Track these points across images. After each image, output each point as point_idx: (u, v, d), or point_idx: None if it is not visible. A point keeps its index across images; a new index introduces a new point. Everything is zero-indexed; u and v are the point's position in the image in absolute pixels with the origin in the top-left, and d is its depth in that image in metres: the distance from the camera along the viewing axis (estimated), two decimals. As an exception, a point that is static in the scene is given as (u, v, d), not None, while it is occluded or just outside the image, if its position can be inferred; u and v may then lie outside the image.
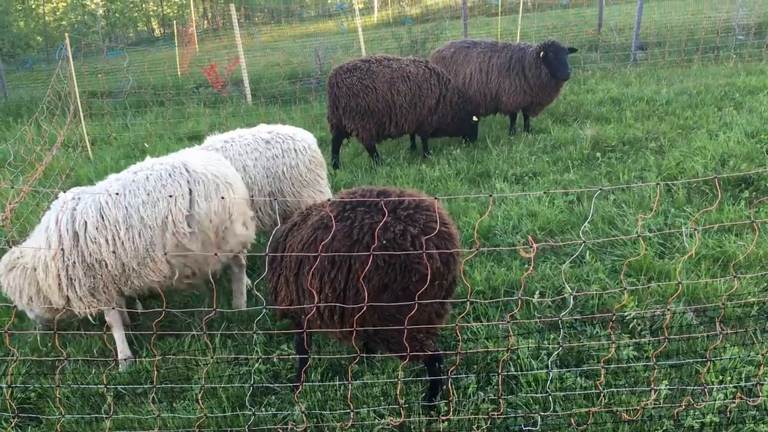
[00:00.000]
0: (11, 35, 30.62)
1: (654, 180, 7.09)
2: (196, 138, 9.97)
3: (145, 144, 10.34)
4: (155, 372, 4.13)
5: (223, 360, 4.62)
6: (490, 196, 3.05)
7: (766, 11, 15.46)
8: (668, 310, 4.53)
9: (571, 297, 4.85)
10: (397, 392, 3.85)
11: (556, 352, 4.21)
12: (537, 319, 4.63)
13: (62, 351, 3.86)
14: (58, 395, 4.04)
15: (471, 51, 9.76)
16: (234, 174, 5.21)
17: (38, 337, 5.07)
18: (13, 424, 3.80)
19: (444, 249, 3.47)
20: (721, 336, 3.82)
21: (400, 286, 3.42)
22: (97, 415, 3.97)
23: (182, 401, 4.28)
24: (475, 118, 9.14)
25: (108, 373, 4.58)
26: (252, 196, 5.86)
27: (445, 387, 3.98)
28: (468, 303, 3.58)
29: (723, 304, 4.19)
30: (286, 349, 4.72)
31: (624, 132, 8.82)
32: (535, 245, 3.31)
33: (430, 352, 3.76)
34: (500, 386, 3.86)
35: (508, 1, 29.95)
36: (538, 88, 9.27)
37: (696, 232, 5.75)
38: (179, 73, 16.25)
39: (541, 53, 9.03)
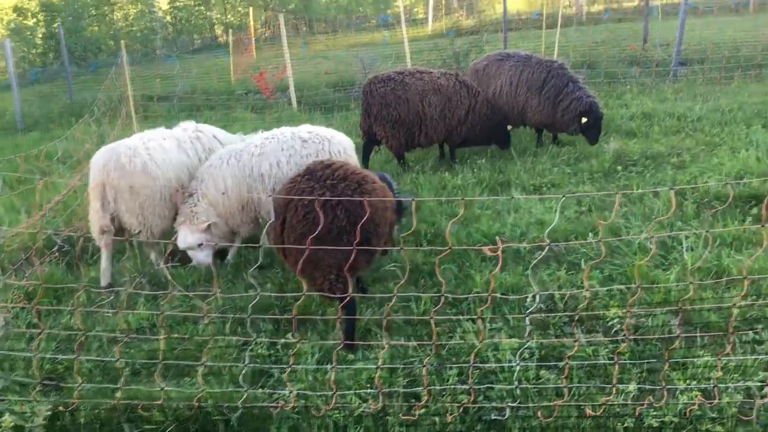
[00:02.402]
0: (84, 39, 32.24)
1: (666, 194, 7.24)
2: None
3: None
4: (161, 350, 4.58)
5: (230, 344, 5.06)
6: (462, 199, 3.38)
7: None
8: (638, 315, 4.76)
9: (536, 296, 5.13)
10: (376, 377, 4.20)
11: (523, 348, 4.49)
12: (503, 316, 4.91)
13: (82, 328, 4.36)
14: (78, 366, 4.53)
15: (504, 63, 10.00)
16: None
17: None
18: (36, 390, 4.31)
19: (353, 212, 4.61)
20: (678, 340, 4.04)
21: (311, 233, 4.11)
22: (111, 386, 4.44)
23: (189, 378, 4.73)
24: (509, 127, 9.43)
25: (126, 351, 5.07)
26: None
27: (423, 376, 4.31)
28: (442, 297, 3.93)
29: (680, 308, 4.40)
30: (290, 338, 5.14)
31: (648, 147, 8.96)
32: (501, 244, 3.64)
33: (338, 294, 4.72)
34: (470, 376, 4.17)
35: (566, 14, 29.97)
36: (561, 126, 9.55)
37: (688, 240, 5.92)
38: (232, 79, 16.99)
39: (583, 119, 9.17)
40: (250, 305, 4.09)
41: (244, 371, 4.36)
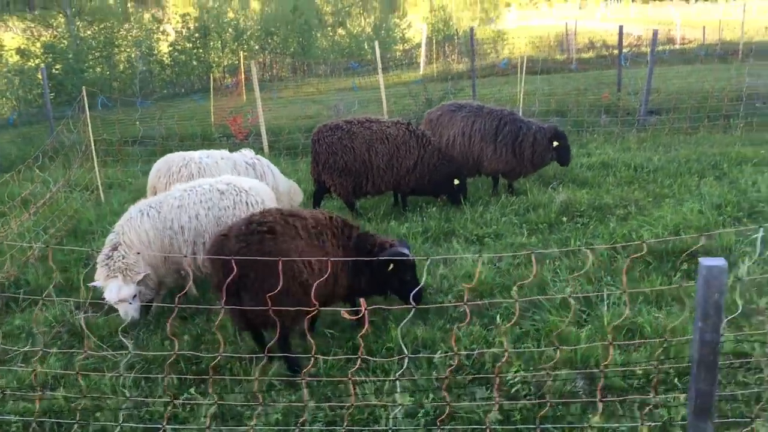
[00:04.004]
0: (84, 81, 32.71)
1: (602, 247, 7.20)
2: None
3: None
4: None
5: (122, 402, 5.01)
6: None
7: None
8: (548, 373, 4.69)
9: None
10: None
11: (397, 409, 4.42)
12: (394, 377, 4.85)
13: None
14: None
15: (456, 114, 10.02)
16: None
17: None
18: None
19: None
20: (546, 402, 3.97)
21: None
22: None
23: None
24: (456, 181, 9.37)
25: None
26: (203, 244, 6.38)
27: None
28: (359, 359, 3.88)
29: (602, 371, 4.33)
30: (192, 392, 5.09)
31: (597, 197, 8.94)
32: (364, 307, 3.61)
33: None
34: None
35: (557, 60, 30.28)
36: (531, 165, 9.69)
37: (611, 297, 5.86)
38: (212, 123, 17.17)
39: (555, 143, 9.45)
40: (167, 363, 4.07)
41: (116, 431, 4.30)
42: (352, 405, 4.22)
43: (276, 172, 8.37)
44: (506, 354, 3.48)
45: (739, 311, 4.00)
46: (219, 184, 6.48)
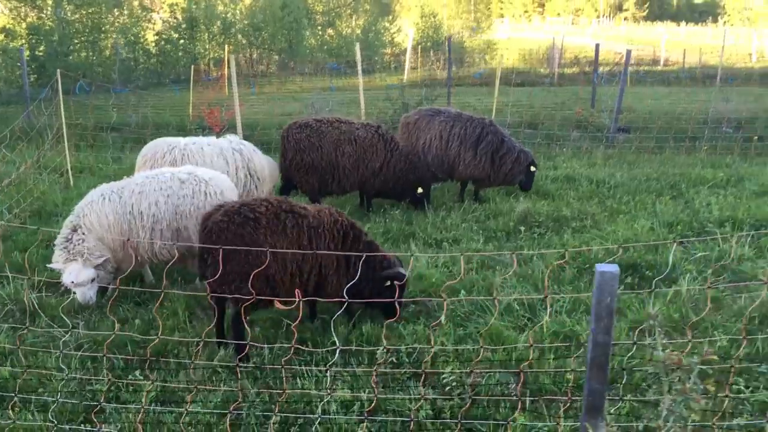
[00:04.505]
0: (68, 65, 32.48)
1: (554, 258, 7.41)
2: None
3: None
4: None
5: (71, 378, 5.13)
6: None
7: (754, 108, 15.70)
8: (472, 372, 4.88)
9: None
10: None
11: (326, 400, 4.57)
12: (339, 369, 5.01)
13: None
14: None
15: (434, 119, 10.22)
16: None
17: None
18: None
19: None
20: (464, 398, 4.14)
21: None
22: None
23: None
24: (420, 190, 9.52)
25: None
26: (160, 231, 6.50)
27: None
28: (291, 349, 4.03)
29: (521, 370, 4.52)
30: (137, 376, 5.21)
31: (556, 209, 9.16)
32: (299, 298, 3.77)
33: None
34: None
35: (541, 74, 30.67)
36: (503, 178, 9.99)
37: (554, 304, 6.07)
38: (190, 114, 17.23)
39: (532, 168, 9.93)
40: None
41: (54, 406, 4.41)
42: (284, 391, 4.37)
43: (261, 156, 8.66)
44: (432, 351, 3.64)
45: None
46: (180, 174, 6.61)
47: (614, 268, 2.76)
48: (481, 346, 3.82)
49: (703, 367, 4.39)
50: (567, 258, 7.20)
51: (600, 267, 2.77)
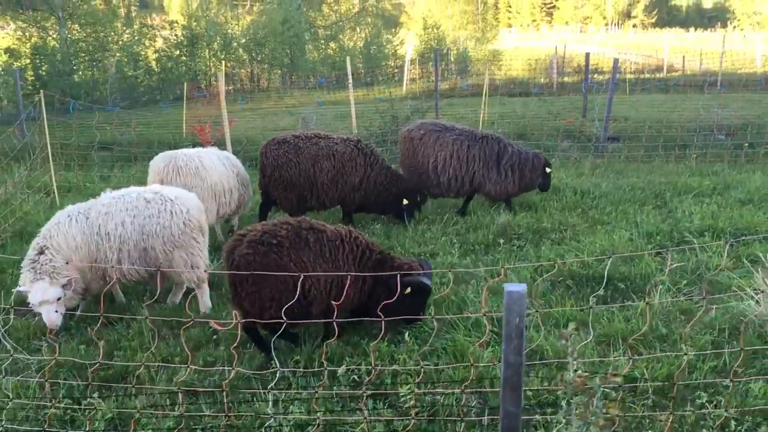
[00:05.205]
0: (71, 84, 32.69)
1: (528, 271, 7.34)
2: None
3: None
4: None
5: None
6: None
7: (746, 114, 15.56)
8: (427, 391, 4.82)
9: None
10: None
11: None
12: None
13: None
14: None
15: (444, 135, 9.90)
16: None
17: None
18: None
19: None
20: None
21: None
22: None
23: None
24: (405, 201, 9.45)
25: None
26: (128, 251, 6.49)
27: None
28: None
29: (463, 391, 4.46)
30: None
31: (536, 221, 9.09)
32: (238, 320, 3.73)
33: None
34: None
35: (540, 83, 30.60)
36: (525, 189, 10.05)
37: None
38: (184, 131, 17.30)
39: (548, 169, 9.99)
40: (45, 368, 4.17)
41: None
42: (227, 415, 4.32)
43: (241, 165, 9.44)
44: (375, 370, 3.58)
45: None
46: (146, 193, 6.60)
47: (521, 288, 2.70)
48: (444, 366, 3.74)
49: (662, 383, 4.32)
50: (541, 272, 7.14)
51: (508, 287, 2.72)
